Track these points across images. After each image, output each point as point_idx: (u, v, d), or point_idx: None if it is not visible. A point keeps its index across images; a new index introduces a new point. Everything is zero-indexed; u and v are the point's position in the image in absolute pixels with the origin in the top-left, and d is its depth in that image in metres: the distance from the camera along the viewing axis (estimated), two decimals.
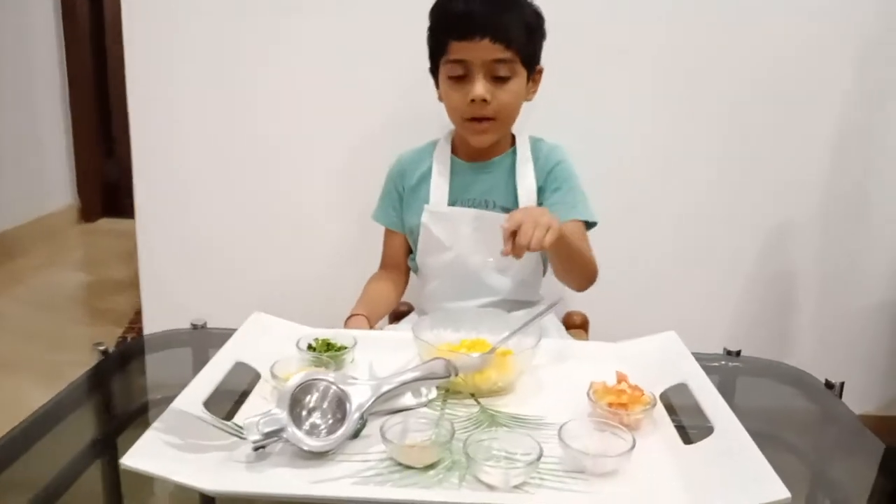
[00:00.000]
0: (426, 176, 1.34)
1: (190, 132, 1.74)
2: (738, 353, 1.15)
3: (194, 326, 1.15)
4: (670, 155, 1.75)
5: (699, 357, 1.03)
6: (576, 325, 1.46)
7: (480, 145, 1.30)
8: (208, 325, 1.16)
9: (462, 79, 1.22)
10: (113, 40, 3.75)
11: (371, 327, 1.23)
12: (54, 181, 3.87)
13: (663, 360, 1.01)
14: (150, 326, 1.88)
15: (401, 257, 1.42)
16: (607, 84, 1.70)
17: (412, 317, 1.38)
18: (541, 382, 0.97)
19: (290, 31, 1.68)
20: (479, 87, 1.20)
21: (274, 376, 0.90)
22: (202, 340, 1.15)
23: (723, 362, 1.15)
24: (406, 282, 1.44)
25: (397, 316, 1.62)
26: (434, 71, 1.30)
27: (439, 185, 1.32)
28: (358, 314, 1.24)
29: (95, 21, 3.89)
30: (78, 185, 4.01)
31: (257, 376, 0.96)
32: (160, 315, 1.83)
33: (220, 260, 1.80)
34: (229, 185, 1.77)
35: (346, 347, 1.00)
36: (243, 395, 0.94)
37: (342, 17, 1.67)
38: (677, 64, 1.70)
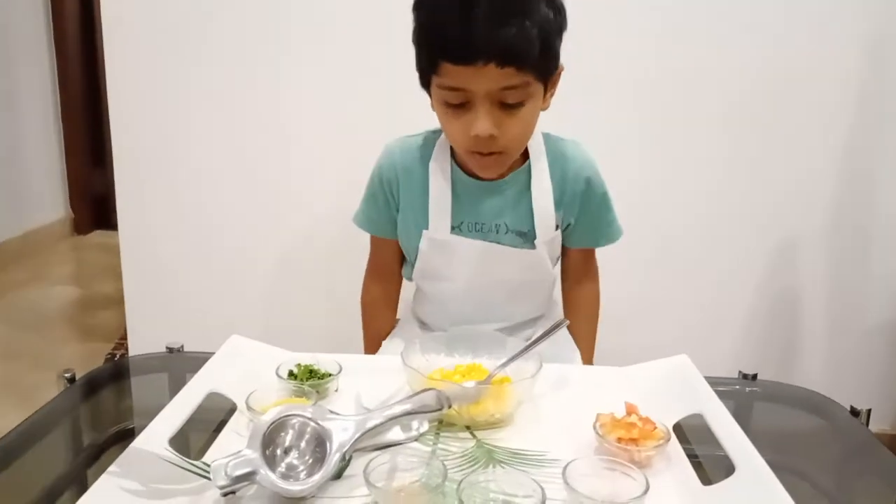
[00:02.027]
0: (423, 185, 1.11)
1: (175, 144, 1.67)
2: (754, 377, 1.07)
3: (170, 350, 1.07)
4: (670, 169, 1.70)
5: (713, 381, 0.95)
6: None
7: (488, 177, 1.08)
8: (185, 349, 1.08)
9: (462, 106, 0.97)
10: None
11: None
12: (45, 193, 3.80)
13: (675, 386, 0.93)
14: (136, 344, 1.80)
15: (394, 264, 1.23)
16: (603, 99, 1.64)
17: (401, 329, 1.27)
18: (542, 413, 0.89)
19: (284, 42, 1.62)
20: (483, 124, 0.95)
21: (249, 408, 0.82)
22: (178, 365, 1.07)
23: (738, 387, 1.07)
24: (400, 284, 1.27)
25: None
26: (423, 84, 1.03)
27: (440, 208, 1.09)
28: None
29: (85, 28, 3.82)
30: (70, 197, 3.94)
31: (234, 406, 0.88)
32: (146, 331, 1.77)
33: (206, 276, 1.74)
34: (215, 198, 1.70)
35: (329, 375, 0.92)
36: (222, 424, 0.86)
37: (327, 40, 1.60)
38: (675, 76, 1.64)
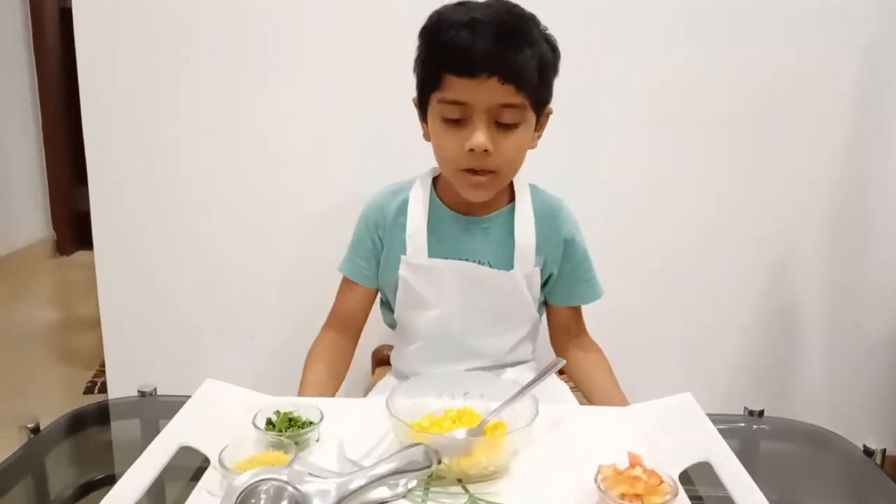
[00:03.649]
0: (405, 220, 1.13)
1: (154, 160, 1.60)
2: (760, 413, 1.02)
3: (142, 394, 1.01)
4: (664, 183, 1.64)
5: (718, 419, 0.90)
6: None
7: (476, 200, 1.08)
8: (158, 392, 1.01)
9: (459, 122, 1.00)
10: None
11: None
12: (27, 213, 3.72)
13: (680, 430, 0.87)
14: (115, 371, 1.73)
15: (359, 316, 1.20)
16: (598, 111, 1.58)
17: (386, 382, 1.21)
18: (539, 462, 0.83)
19: (266, 55, 1.55)
20: (481, 136, 0.98)
21: (222, 466, 0.76)
22: (150, 410, 1.00)
23: (743, 424, 1.02)
24: (357, 343, 1.22)
25: (381, 361, 1.48)
26: (422, 105, 1.07)
27: (416, 234, 1.10)
28: None
29: (66, 46, 3.73)
30: (52, 217, 3.86)
31: (208, 460, 0.82)
32: (124, 358, 1.69)
33: (186, 304, 1.66)
34: (197, 216, 1.62)
35: (310, 423, 0.86)
36: (197, 477, 0.80)
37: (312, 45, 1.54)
38: (672, 87, 1.59)
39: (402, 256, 1.11)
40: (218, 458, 0.77)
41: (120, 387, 1.71)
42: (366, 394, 1.31)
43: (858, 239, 1.70)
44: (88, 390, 2.33)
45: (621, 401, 1.06)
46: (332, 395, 1.12)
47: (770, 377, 1.76)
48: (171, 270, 1.64)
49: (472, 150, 0.99)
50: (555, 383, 1.13)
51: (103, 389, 2.05)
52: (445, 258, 1.11)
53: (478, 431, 0.83)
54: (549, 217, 1.14)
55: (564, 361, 0.94)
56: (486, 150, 0.99)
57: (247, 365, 1.54)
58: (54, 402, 2.25)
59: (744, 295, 1.71)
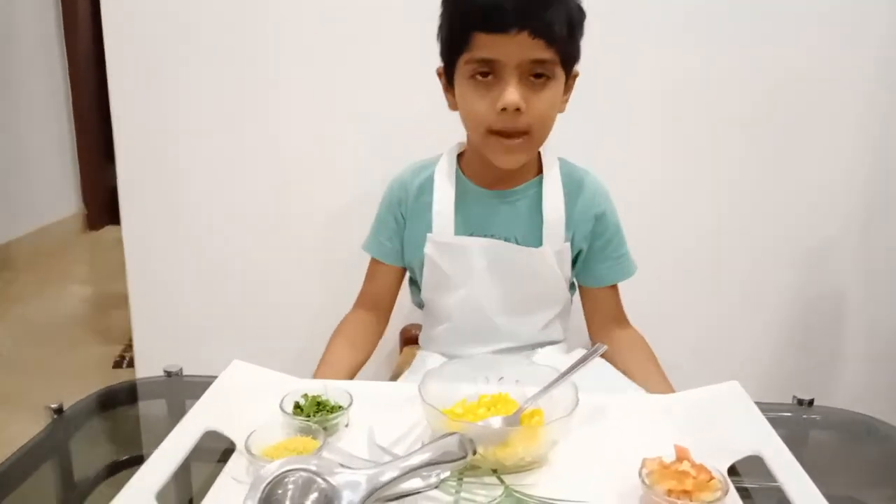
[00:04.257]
0: (431, 196, 1.10)
1: (178, 144, 1.58)
2: (810, 403, 0.96)
3: (168, 374, 0.98)
4: (693, 173, 1.59)
5: (765, 408, 0.86)
6: None
7: (508, 166, 1.03)
8: (185, 372, 0.99)
9: (488, 82, 0.96)
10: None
11: None
12: (58, 189, 3.75)
13: (728, 421, 0.83)
14: (143, 350, 1.73)
15: (387, 295, 1.18)
16: (609, 111, 1.52)
17: (420, 360, 1.16)
18: (579, 453, 0.78)
19: (291, 40, 1.51)
20: (513, 93, 0.94)
21: (249, 452, 0.73)
22: (177, 391, 0.98)
23: (790, 414, 0.96)
24: (387, 323, 1.20)
25: (409, 340, 1.45)
26: (448, 72, 1.02)
27: (443, 212, 1.07)
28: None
29: (96, 25, 3.74)
30: (83, 192, 3.89)
31: (234, 445, 0.79)
32: (152, 336, 1.69)
33: (213, 281, 1.64)
34: (219, 198, 1.60)
35: (340, 407, 0.83)
36: (226, 456, 0.78)
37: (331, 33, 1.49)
38: (694, 81, 1.53)
39: (428, 235, 1.08)
40: (245, 444, 0.74)
41: (148, 363, 1.72)
42: (393, 374, 1.28)
43: (890, 228, 1.64)
44: (117, 364, 2.34)
45: (666, 388, 1.01)
46: (352, 372, 1.09)
47: (808, 367, 1.71)
48: (201, 249, 1.63)
49: (503, 109, 0.95)
50: (604, 368, 1.07)
51: (132, 364, 2.06)
52: (472, 235, 1.08)
53: (514, 420, 0.79)
54: (579, 190, 1.09)
55: (606, 347, 0.89)
56: (517, 109, 0.95)
57: (276, 345, 1.52)
58: (85, 377, 2.26)
59: (770, 287, 1.66)
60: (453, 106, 1.05)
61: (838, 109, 1.55)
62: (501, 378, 0.88)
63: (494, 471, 0.75)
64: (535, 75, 0.96)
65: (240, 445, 0.77)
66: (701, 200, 1.60)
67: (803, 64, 1.51)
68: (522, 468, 0.75)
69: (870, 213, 1.62)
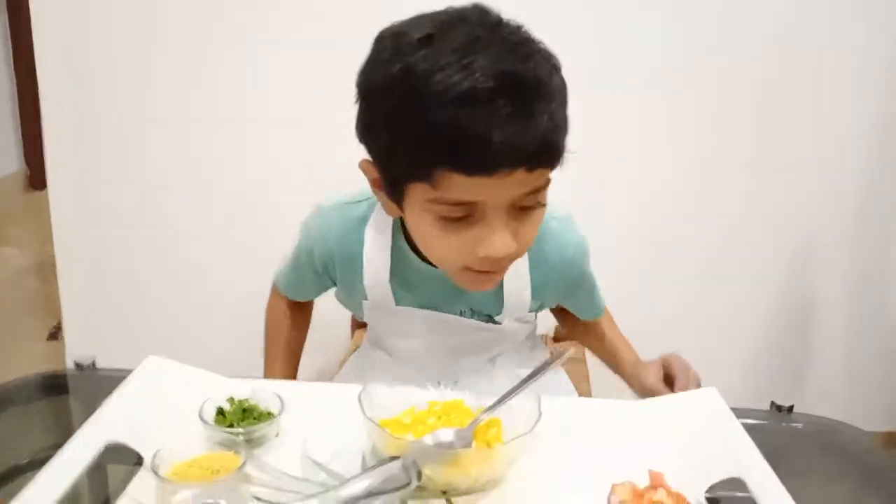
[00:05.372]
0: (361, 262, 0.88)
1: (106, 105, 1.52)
2: (790, 410, 0.89)
3: (79, 367, 0.86)
4: (661, 186, 1.54)
5: (742, 413, 0.78)
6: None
7: (479, 290, 0.82)
8: (97, 364, 0.87)
9: (464, 221, 0.70)
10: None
11: None
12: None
13: (706, 435, 0.74)
14: (72, 323, 1.67)
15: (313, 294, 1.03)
16: (611, 104, 1.44)
17: (363, 352, 1.04)
18: (539, 470, 0.69)
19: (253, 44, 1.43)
20: (503, 240, 0.70)
21: (155, 473, 0.62)
22: (88, 386, 0.86)
23: (767, 421, 0.89)
24: (311, 312, 1.07)
25: (361, 324, 1.35)
26: (391, 185, 0.74)
27: (378, 287, 0.87)
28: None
29: None
30: (24, 150, 3.68)
31: (141, 459, 0.68)
32: (81, 311, 1.63)
33: (144, 262, 1.54)
34: (155, 164, 1.49)
35: (270, 415, 0.73)
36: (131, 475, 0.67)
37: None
38: (676, 84, 1.48)
39: (364, 301, 0.90)
40: (151, 463, 0.63)
41: (78, 340, 1.61)
42: (343, 359, 1.17)
43: (880, 228, 1.62)
44: (52, 336, 2.20)
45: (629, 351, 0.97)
46: (300, 354, 1.02)
47: (790, 369, 1.69)
48: (131, 228, 1.54)
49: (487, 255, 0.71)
50: (556, 375, 0.97)
51: None
52: (417, 306, 0.90)
53: (468, 434, 0.69)
54: (548, 258, 0.87)
55: (571, 352, 0.79)
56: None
57: (212, 333, 1.41)
58: (14, 349, 2.13)
59: (763, 287, 1.64)
60: (393, 214, 0.80)
61: (832, 112, 1.52)
62: (456, 382, 0.78)
63: (444, 492, 0.66)
64: (525, 207, 0.72)
65: (147, 462, 0.66)
66: (679, 209, 1.56)
67: (792, 74, 1.48)
68: (476, 490, 0.66)
69: (853, 220, 1.60)
